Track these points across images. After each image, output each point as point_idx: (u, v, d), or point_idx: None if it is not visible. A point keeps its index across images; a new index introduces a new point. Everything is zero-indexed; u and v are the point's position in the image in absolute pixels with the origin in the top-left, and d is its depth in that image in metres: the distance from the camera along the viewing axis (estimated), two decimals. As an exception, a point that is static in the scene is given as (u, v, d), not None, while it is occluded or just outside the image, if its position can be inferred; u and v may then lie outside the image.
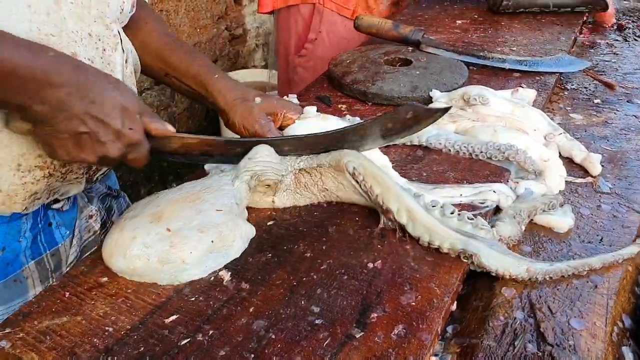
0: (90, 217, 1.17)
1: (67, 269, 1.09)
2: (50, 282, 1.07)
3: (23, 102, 0.82)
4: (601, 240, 1.03)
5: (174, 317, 0.82)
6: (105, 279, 0.90)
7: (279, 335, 0.79)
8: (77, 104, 0.83)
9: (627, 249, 0.99)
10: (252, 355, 0.76)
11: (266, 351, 0.76)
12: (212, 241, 0.90)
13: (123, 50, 1.04)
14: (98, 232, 1.19)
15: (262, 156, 1.01)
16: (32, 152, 0.94)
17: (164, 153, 1.00)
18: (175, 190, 0.99)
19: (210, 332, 0.80)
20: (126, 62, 1.06)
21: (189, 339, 0.78)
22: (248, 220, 1.00)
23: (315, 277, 0.89)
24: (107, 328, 0.80)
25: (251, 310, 0.83)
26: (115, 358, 0.76)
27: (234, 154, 1.05)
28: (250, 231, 0.97)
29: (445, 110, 1.06)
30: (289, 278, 0.89)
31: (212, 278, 0.89)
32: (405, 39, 1.72)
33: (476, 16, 2.14)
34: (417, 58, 1.61)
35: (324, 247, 0.95)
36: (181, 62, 1.16)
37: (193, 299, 0.86)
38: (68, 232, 1.11)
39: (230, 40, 3.78)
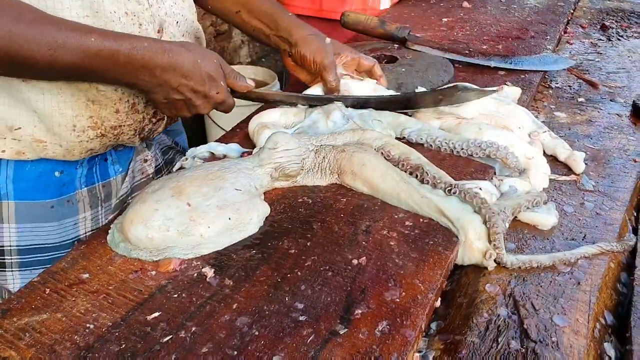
0: (145, 160, 1.28)
1: (117, 201, 1.22)
2: (99, 210, 1.19)
3: (129, 82, 1.01)
4: (584, 237, 1.04)
5: (156, 314, 0.81)
6: (86, 275, 0.88)
7: (263, 331, 0.78)
8: (172, 79, 1.01)
9: (581, 248, 1.00)
10: (235, 352, 0.75)
11: (249, 348, 0.76)
12: (230, 218, 0.94)
13: (154, 21, 1.12)
14: (151, 175, 1.30)
15: (284, 145, 1.04)
16: (84, 114, 1.06)
17: (247, 99, 1.20)
18: (194, 169, 1.03)
19: (193, 328, 0.79)
20: (159, 32, 1.14)
21: (171, 336, 0.78)
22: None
23: (299, 273, 0.89)
24: (88, 325, 0.79)
25: (234, 306, 0.83)
26: (96, 355, 0.75)
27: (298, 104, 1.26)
28: (266, 210, 1.00)
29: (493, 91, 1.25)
30: (273, 274, 0.89)
31: (195, 274, 0.88)
32: (391, 36, 1.72)
33: (462, 14, 2.14)
34: (402, 55, 1.61)
35: (308, 244, 0.95)
36: (255, 0, 1.31)
37: (176, 295, 0.85)
38: (121, 170, 1.22)
39: (215, 37, 3.75)
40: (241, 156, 1.14)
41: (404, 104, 1.28)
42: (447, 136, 1.21)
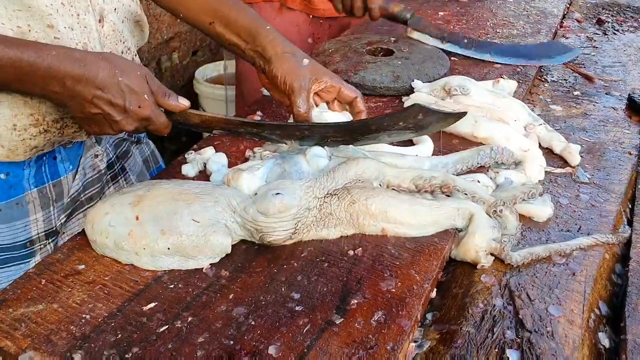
0: (96, 156, 1.21)
1: (68, 200, 1.16)
2: (51, 211, 1.13)
3: (37, 92, 0.93)
4: (579, 229, 1.04)
5: (152, 304, 0.82)
6: (82, 266, 0.88)
7: (259, 321, 0.79)
8: (85, 91, 0.91)
9: (576, 239, 1.00)
10: (232, 342, 0.75)
11: (245, 337, 0.76)
12: (169, 248, 0.87)
13: (94, 11, 1.05)
14: (103, 171, 1.24)
15: (273, 213, 0.90)
16: (24, 112, 1.00)
17: (187, 126, 1.04)
18: (180, 182, 0.98)
19: (189, 319, 0.79)
20: (100, 22, 1.07)
21: (167, 326, 0.78)
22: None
23: (295, 264, 0.89)
24: (84, 315, 0.79)
25: (231, 297, 0.83)
26: (92, 345, 0.75)
27: (252, 134, 1.09)
28: (222, 249, 0.90)
29: (462, 114, 1.03)
30: (270, 265, 0.89)
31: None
32: (393, 16, 1.71)
33: (458, 8, 2.15)
34: (399, 48, 1.61)
35: (302, 241, 0.95)
36: (230, 10, 1.19)
37: (172, 286, 0.85)
38: (72, 167, 1.16)
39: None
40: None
41: (360, 131, 1.07)
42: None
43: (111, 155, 1.27)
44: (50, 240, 1.13)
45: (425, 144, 1.19)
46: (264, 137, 1.10)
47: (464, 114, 1.03)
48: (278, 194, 0.91)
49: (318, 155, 1.05)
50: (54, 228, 1.14)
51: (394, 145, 1.17)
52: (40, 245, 1.12)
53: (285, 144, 1.09)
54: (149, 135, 1.35)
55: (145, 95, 0.95)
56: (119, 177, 1.30)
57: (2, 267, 1.08)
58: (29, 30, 0.96)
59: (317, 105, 1.16)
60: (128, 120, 0.95)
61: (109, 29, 1.10)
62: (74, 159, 1.17)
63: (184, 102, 1.00)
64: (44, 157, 1.11)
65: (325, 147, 1.07)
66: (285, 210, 0.90)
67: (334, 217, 0.95)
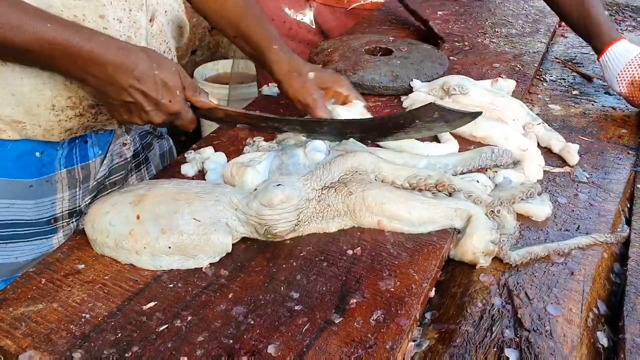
0: (124, 144, 1.27)
1: (94, 183, 1.22)
2: (77, 191, 1.19)
3: (78, 76, 0.98)
4: (578, 228, 1.04)
5: (152, 303, 0.82)
6: (82, 265, 0.89)
7: (258, 320, 0.79)
8: (123, 79, 0.97)
9: (575, 239, 1.01)
10: (231, 341, 0.76)
11: (245, 337, 0.76)
12: (170, 247, 0.88)
13: (147, 10, 1.12)
14: (129, 159, 1.30)
15: (277, 204, 0.91)
16: (64, 94, 1.06)
17: (210, 119, 1.12)
18: (181, 182, 0.99)
19: (189, 318, 0.79)
20: (151, 21, 1.14)
21: (167, 325, 0.78)
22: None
23: (294, 263, 0.89)
24: (83, 315, 0.80)
25: (230, 296, 0.83)
26: (92, 344, 0.75)
27: (273, 128, 1.15)
28: (223, 248, 0.90)
29: (477, 114, 1.10)
30: (268, 265, 0.89)
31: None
32: None
33: (457, 7, 2.15)
34: (398, 48, 1.61)
35: (302, 235, 0.95)
36: (247, 28, 1.29)
37: (171, 285, 0.85)
38: (100, 152, 1.22)
39: (210, 30, 3.75)
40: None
41: (378, 128, 1.15)
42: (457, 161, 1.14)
43: (137, 145, 1.34)
44: (73, 219, 1.20)
45: (451, 143, 1.22)
46: (284, 131, 1.16)
47: (479, 113, 1.11)
48: (279, 185, 0.92)
49: (317, 150, 1.07)
50: (78, 208, 1.20)
51: (423, 141, 1.21)
52: (63, 222, 1.18)
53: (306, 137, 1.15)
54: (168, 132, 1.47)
55: (178, 91, 1.01)
56: (142, 167, 1.36)
57: (27, 241, 1.14)
58: (83, 20, 1.01)
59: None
60: (158, 112, 1.01)
61: (157, 29, 1.17)
62: (104, 145, 1.22)
63: (214, 101, 1.08)
64: (76, 140, 1.17)
65: (327, 142, 1.11)
66: (288, 200, 0.91)
67: (333, 209, 0.96)
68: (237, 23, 1.29)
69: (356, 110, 1.24)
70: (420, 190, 1.01)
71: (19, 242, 1.13)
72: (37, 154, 1.11)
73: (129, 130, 1.28)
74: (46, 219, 1.16)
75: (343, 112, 1.21)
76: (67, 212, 1.18)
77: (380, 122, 1.17)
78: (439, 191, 1.01)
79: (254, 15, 1.30)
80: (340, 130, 1.13)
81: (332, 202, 0.96)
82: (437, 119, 1.08)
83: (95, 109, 1.10)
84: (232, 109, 1.12)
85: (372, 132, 1.15)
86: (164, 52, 1.20)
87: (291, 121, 1.14)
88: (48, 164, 1.13)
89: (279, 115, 1.23)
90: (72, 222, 1.20)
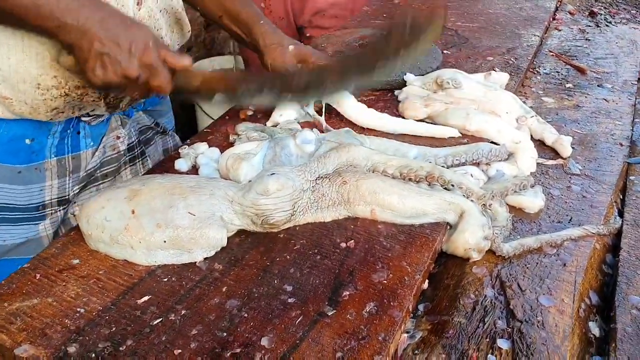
0: (118, 137, 1.29)
1: (84, 174, 1.24)
2: (66, 180, 1.21)
3: (51, 29, 0.97)
4: (570, 220, 1.05)
5: (146, 297, 0.82)
6: (76, 261, 0.89)
7: (252, 313, 0.79)
8: (96, 27, 0.97)
9: (567, 230, 1.01)
10: (225, 334, 0.76)
11: (239, 329, 0.77)
12: (165, 241, 0.88)
13: None
14: (122, 152, 1.31)
15: (273, 192, 0.92)
16: (49, 73, 1.07)
17: (188, 92, 1.08)
18: (175, 177, 0.99)
19: (183, 311, 0.80)
20: (138, 4, 1.15)
21: (161, 319, 0.78)
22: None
23: (288, 257, 0.90)
24: (78, 309, 0.80)
25: (224, 290, 0.83)
26: (87, 338, 0.75)
27: (253, 89, 1.09)
28: (218, 242, 0.91)
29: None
30: (262, 258, 0.90)
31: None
32: None
33: (451, 1, 2.15)
34: (391, 42, 1.62)
35: (297, 228, 0.96)
36: (234, 5, 1.33)
37: (165, 279, 0.86)
38: (92, 144, 1.24)
39: (205, 27, 3.74)
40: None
41: (357, 64, 1.08)
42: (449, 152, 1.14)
43: (133, 139, 1.35)
44: (61, 208, 1.22)
45: (451, 128, 1.25)
46: (265, 94, 1.10)
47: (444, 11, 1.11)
48: (273, 174, 0.94)
49: (307, 140, 1.08)
50: (67, 197, 1.22)
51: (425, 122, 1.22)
52: (51, 210, 1.20)
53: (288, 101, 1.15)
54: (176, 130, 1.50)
55: (151, 43, 1.01)
56: (137, 161, 1.37)
57: (15, 225, 1.17)
58: None
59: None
60: (131, 63, 0.99)
61: (145, 13, 1.17)
62: (96, 137, 1.24)
63: (188, 59, 1.06)
64: (68, 130, 1.19)
65: (315, 131, 1.10)
66: (283, 188, 0.93)
67: (327, 198, 0.98)
68: (224, 2, 1.33)
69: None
70: (410, 180, 1.01)
71: (7, 225, 1.17)
72: (27, 140, 1.14)
73: (125, 124, 1.29)
74: (35, 205, 1.18)
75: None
76: (55, 199, 1.20)
77: (356, 54, 1.16)
78: (429, 183, 1.01)
79: None
80: (319, 78, 1.09)
81: (326, 191, 0.98)
82: (410, 34, 1.02)
83: (80, 90, 1.11)
84: (208, 72, 1.10)
85: (352, 70, 1.08)
86: None
87: (269, 79, 1.13)
88: (38, 152, 1.16)
89: (258, 74, 1.25)
90: (60, 210, 1.22)
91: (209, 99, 1.12)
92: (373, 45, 1.08)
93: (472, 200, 0.99)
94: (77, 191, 1.23)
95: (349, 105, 1.28)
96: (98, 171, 1.27)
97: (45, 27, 0.99)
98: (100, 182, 1.28)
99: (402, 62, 1.08)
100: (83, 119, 1.21)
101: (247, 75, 1.15)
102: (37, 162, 1.16)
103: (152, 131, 1.42)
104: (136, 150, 1.36)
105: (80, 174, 1.23)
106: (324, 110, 1.25)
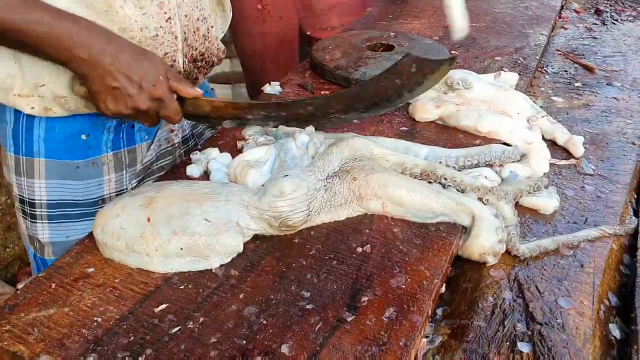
0: (172, 130, 1.31)
1: (141, 167, 1.26)
2: (124, 174, 1.24)
3: (63, 59, 1.00)
4: (586, 220, 1.04)
5: (163, 305, 0.82)
6: (91, 269, 0.88)
7: (270, 320, 0.79)
8: (108, 61, 1.00)
9: (584, 231, 1.01)
10: (244, 342, 0.75)
11: (258, 337, 0.76)
12: (182, 248, 0.88)
13: None
14: (176, 145, 1.33)
15: (288, 193, 0.93)
16: None
17: (198, 118, 1.14)
18: (189, 183, 0.99)
19: (201, 319, 0.79)
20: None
21: (179, 327, 0.78)
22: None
23: (304, 262, 0.89)
24: (95, 318, 0.79)
25: (241, 296, 0.83)
26: (105, 348, 0.75)
27: (260, 118, 1.14)
28: (234, 249, 0.90)
29: (452, 60, 1.11)
30: (278, 264, 0.89)
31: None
32: None
33: (456, 1, 2.14)
34: (399, 43, 1.61)
35: (312, 233, 0.95)
36: None
37: (182, 287, 0.85)
38: (147, 137, 1.26)
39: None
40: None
41: (360, 98, 1.13)
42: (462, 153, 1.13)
43: (187, 132, 1.37)
44: None
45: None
46: (271, 119, 1.15)
47: (453, 60, 1.13)
48: (286, 175, 0.95)
49: (304, 143, 1.09)
50: (125, 190, 1.24)
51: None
52: None
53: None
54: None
55: (161, 77, 1.04)
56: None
57: (77, 221, 1.21)
58: None
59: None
60: (142, 97, 1.03)
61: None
62: (151, 131, 1.26)
63: (198, 90, 1.09)
64: (123, 125, 1.21)
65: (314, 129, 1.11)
66: (298, 189, 0.93)
67: (340, 196, 0.98)
68: None
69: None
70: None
71: (70, 221, 1.20)
72: (83, 136, 1.17)
73: None
74: (94, 200, 1.21)
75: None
76: (114, 193, 1.23)
77: (361, 89, 1.16)
78: (423, 179, 1.02)
79: None
80: (325, 107, 1.13)
81: (338, 189, 0.98)
82: (416, 73, 1.08)
83: None
84: (217, 99, 1.13)
85: (356, 104, 1.13)
86: (198, 20, 1.20)
87: (275, 108, 1.14)
88: (94, 147, 1.19)
89: (265, 102, 1.24)
90: None
91: (218, 124, 1.18)
92: (377, 82, 1.12)
93: (479, 199, 0.99)
94: (135, 185, 1.25)
95: None
96: (154, 164, 1.29)
97: (58, 58, 1.02)
98: (157, 174, 1.29)
99: (403, 101, 1.16)
100: None
101: (254, 105, 1.15)
102: (94, 157, 1.19)
103: (202, 125, 1.43)
104: (190, 143, 1.37)
105: (137, 168, 1.25)
106: None
